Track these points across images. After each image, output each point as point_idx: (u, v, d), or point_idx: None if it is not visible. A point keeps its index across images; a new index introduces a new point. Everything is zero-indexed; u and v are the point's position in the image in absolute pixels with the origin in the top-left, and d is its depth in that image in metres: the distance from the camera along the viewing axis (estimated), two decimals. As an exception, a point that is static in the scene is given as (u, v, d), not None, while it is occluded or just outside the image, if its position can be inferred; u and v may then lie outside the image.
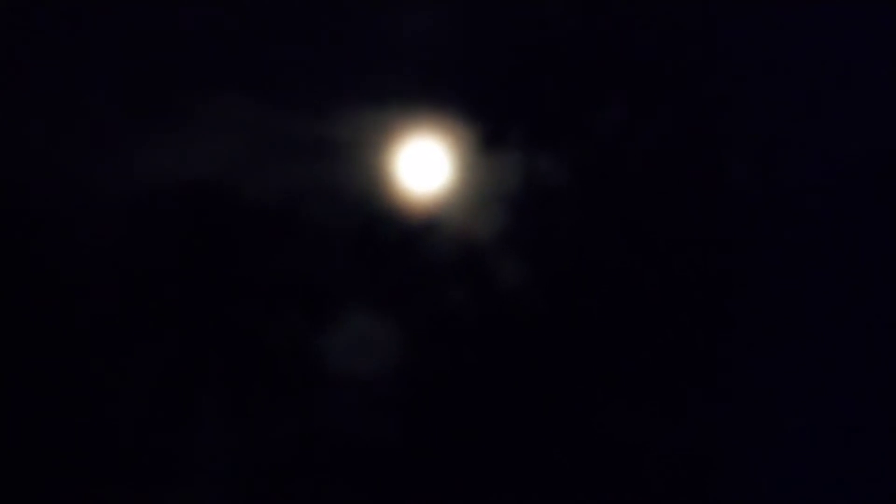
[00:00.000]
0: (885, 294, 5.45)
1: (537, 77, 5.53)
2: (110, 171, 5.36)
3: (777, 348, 5.41)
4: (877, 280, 5.46)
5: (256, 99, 5.41)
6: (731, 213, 5.49)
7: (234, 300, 5.35)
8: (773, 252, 5.48)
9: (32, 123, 5.39)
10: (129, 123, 5.40)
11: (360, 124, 5.42)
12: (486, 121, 5.46)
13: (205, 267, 5.37)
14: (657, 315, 5.42)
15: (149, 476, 5.24)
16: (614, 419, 5.34)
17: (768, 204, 5.50)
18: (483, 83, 5.50)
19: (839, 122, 5.53)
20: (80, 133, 5.39)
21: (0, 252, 5.32)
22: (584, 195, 5.47)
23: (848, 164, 5.50)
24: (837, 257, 5.47)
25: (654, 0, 5.55)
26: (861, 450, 5.34)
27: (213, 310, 5.34)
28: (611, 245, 5.46)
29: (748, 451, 5.36)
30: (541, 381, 5.36)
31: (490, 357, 5.37)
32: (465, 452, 5.31)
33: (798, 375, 5.40)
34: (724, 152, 5.53)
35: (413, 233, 5.41)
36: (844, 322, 5.43)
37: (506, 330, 5.38)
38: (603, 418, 5.34)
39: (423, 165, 5.45)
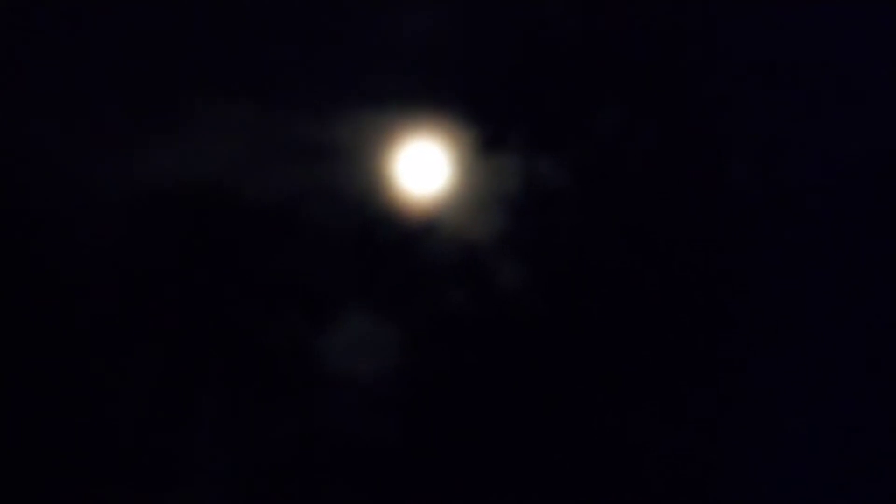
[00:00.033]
0: (885, 294, 5.45)
1: (537, 79, 5.53)
2: (111, 172, 5.37)
3: (777, 348, 5.41)
4: (877, 280, 5.45)
5: (256, 101, 5.42)
6: (731, 213, 5.49)
7: (234, 301, 5.35)
8: (773, 252, 5.48)
9: (33, 125, 5.39)
10: (130, 125, 5.41)
11: (359, 126, 5.42)
12: (486, 122, 5.46)
13: (205, 268, 5.37)
14: (657, 316, 5.42)
15: (149, 476, 5.25)
16: (614, 420, 5.34)
17: (768, 204, 5.50)
18: (483, 85, 5.50)
19: (839, 122, 5.53)
20: (81, 134, 5.40)
21: (0, 253, 5.33)
22: (584, 196, 5.47)
23: (848, 164, 5.50)
24: (837, 257, 5.47)
25: (654, 1, 5.55)
26: (861, 450, 5.34)
27: (213, 310, 5.35)
28: (610, 246, 5.46)
29: (748, 451, 5.36)
30: (540, 382, 5.36)
31: (489, 358, 5.37)
32: (464, 453, 5.31)
33: (798, 376, 5.40)
34: (724, 152, 5.53)
35: (413, 234, 5.41)
36: (844, 322, 5.42)
37: (505, 331, 5.38)
38: (603, 419, 5.34)
39: (423, 167, 5.45)
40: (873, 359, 5.40)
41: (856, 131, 5.52)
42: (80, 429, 5.26)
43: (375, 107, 5.43)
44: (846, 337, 5.41)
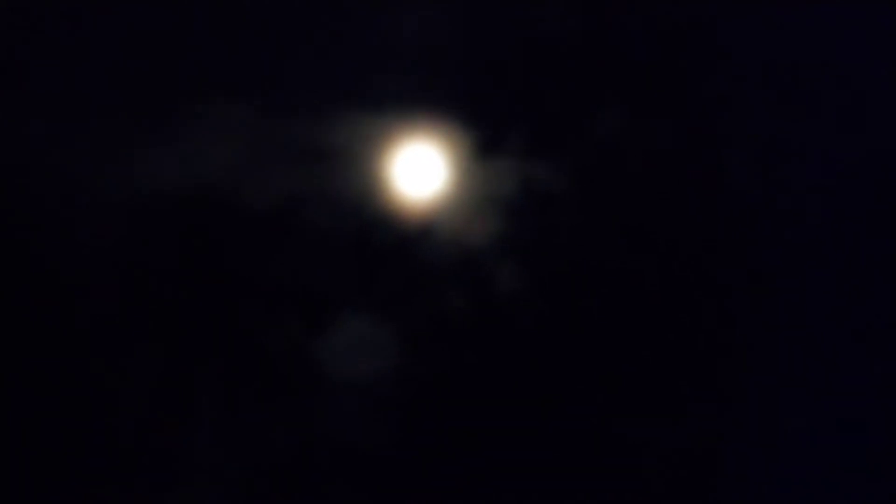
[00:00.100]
0: (885, 294, 5.44)
1: (535, 81, 5.52)
2: (110, 174, 5.38)
3: (777, 348, 5.41)
4: (877, 280, 5.45)
5: (254, 103, 5.42)
6: (731, 214, 5.48)
7: (233, 304, 5.36)
8: (773, 252, 5.47)
9: (32, 127, 5.40)
10: (128, 127, 5.41)
11: (357, 129, 5.42)
12: (484, 125, 5.45)
13: (203, 270, 5.38)
14: (657, 317, 5.41)
15: (148, 477, 5.26)
16: (614, 421, 5.34)
17: (768, 204, 5.49)
18: (481, 87, 5.50)
19: (839, 122, 5.52)
20: (80, 137, 5.40)
21: (0, 254, 5.34)
22: (583, 198, 5.46)
23: (848, 164, 5.49)
24: (837, 257, 5.46)
25: (654, 1, 5.54)
26: (861, 450, 5.34)
27: (211, 313, 5.35)
28: (610, 248, 5.45)
29: (748, 451, 5.36)
30: (540, 384, 5.36)
31: (488, 361, 5.37)
32: (464, 456, 5.31)
33: (799, 376, 5.39)
34: (724, 152, 5.52)
35: (411, 237, 5.41)
36: (844, 322, 5.42)
37: (504, 334, 5.38)
38: (603, 421, 5.34)
39: (421, 169, 5.45)
40: (874, 359, 5.40)
41: (856, 131, 5.51)
42: (80, 429, 5.28)
43: (373, 109, 5.43)
44: (846, 337, 5.41)
